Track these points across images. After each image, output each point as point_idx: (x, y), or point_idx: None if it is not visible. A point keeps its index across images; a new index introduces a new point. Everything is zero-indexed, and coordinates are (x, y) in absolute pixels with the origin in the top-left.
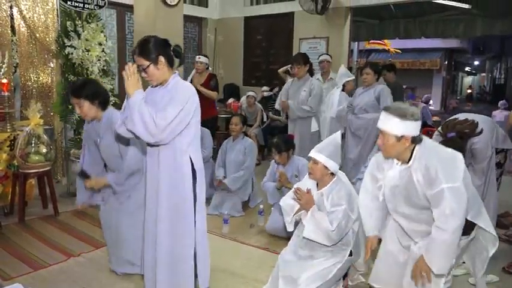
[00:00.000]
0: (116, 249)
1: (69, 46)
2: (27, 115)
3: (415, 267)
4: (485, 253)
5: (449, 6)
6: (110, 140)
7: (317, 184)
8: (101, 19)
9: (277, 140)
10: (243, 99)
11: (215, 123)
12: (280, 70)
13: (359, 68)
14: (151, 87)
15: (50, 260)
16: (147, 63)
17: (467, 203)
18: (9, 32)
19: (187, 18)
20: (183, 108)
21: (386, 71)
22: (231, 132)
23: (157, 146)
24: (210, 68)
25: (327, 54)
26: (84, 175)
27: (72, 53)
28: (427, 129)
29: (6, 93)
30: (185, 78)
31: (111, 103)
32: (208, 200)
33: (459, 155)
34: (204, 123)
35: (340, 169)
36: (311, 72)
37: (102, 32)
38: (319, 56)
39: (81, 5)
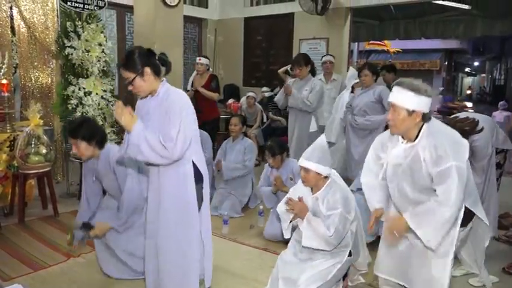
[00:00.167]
0: (118, 262)
1: (69, 47)
2: (27, 116)
3: (389, 225)
4: (482, 244)
5: (449, 7)
6: (111, 177)
7: (312, 188)
8: (101, 20)
9: (270, 143)
10: (243, 99)
11: (217, 124)
12: (280, 70)
13: (358, 69)
14: (140, 99)
15: (50, 260)
16: (132, 75)
17: (467, 188)
18: (9, 32)
19: (187, 19)
20: (182, 120)
21: (386, 71)
22: (231, 133)
23: None
24: (210, 69)
25: (330, 55)
26: (88, 226)
27: (72, 54)
28: None
29: (6, 94)
30: (185, 80)
31: (111, 103)
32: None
33: (465, 141)
34: (206, 125)
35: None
36: (313, 72)
37: (102, 32)
38: (322, 56)
39: (81, 5)
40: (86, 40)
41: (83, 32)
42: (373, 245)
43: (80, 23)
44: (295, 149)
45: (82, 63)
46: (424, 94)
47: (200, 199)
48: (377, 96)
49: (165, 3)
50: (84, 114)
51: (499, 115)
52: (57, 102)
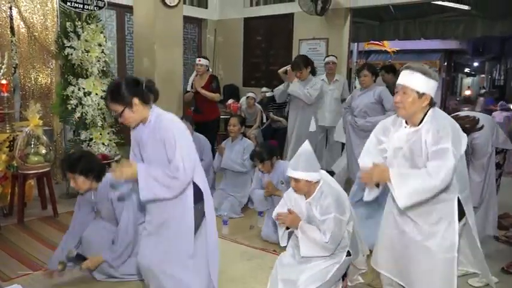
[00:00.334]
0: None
1: (68, 47)
2: (27, 116)
3: (373, 168)
4: (475, 241)
5: (449, 7)
6: (109, 207)
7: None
8: (101, 20)
9: (259, 148)
10: (243, 100)
11: (217, 124)
12: (280, 71)
13: (357, 69)
14: (132, 129)
15: None
16: (121, 108)
17: (462, 181)
18: (9, 32)
19: (187, 19)
20: (181, 144)
21: (385, 72)
22: (230, 133)
23: None
24: (210, 69)
25: (333, 55)
26: (81, 258)
27: (71, 54)
28: None
29: (6, 94)
30: (185, 80)
31: None
32: None
33: (465, 136)
34: (207, 125)
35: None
36: (313, 72)
37: (101, 32)
38: (326, 57)
39: (81, 5)
40: (86, 40)
41: (83, 32)
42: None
43: (79, 23)
44: (293, 149)
45: (82, 63)
46: (433, 78)
47: (201, 216)
48: (377, 97)
49: (165, 4)
50: (84, 114)
51: (499, 115)
52: (56, 102)
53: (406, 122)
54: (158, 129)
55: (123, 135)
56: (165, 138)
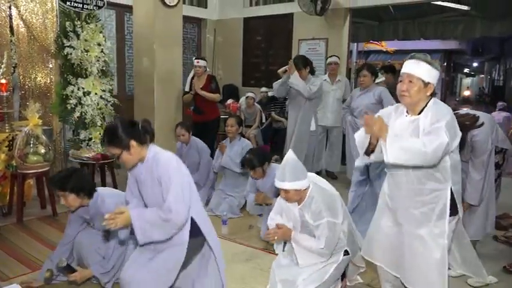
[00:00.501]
0: None
1: (68, 46)
2: (26, 115)
3: (376, 120)
4: (466, 241)
5: (449, 7)
6: (101, 225)
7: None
8: (100, 19)
9: (249, 155)
10: (242, 100)
11: (217, 124)
12: (280, 70)
13: (357, 69)
14: (130, 170)
15: None
16: (118, 151)
17: (456, 174)
18: (8, 32)
19: (187, 19)
20: (174, 185)
21: (385, 72)
22: (227, 134)
23: None
24: (208, 69)
25: (336, 56)
26: (69, 269)
27: (71, 54)
28: None
29: (5, 94)
30: (185, 80)
31: (110, 103)
32: (208, 202)
33: (460, 133)
34: (207, 125)
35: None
36: (312, 72)
37: (101, 32)
38: (328, 57)
39: (80, 5)
40: (85, 40)
41: (82, 31)
42: None
43: (79, 22)
44: (294, 147)
45: (81, 63)
46: (437, 68)
47: (198, 247)
48: (377, 97)
49: (164, 3)
50: (83, 114)
51: (498, 116)
52: (56, 102)
53: (407, 111)
54: (156, 167)
55: None
56: (161, 177)
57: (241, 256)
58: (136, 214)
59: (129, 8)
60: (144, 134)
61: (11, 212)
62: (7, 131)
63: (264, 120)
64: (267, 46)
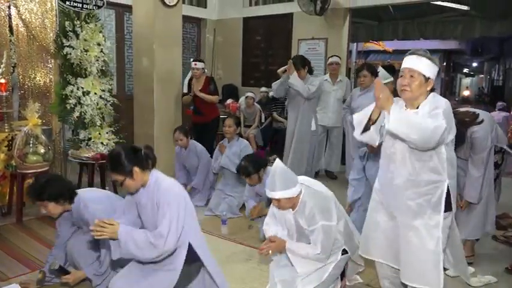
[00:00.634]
0: None
1: (67, 46)
2: (25, 115)
3: (385, 89)
4: (458, 240)
5: (448, 7)
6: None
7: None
8: (100, 19)
9: (244, 163)
10: (242, 99)
11: (217, 124)
12: (280, 70)
13: (357, 69)
14: (131, 194)
15: None
16: (122, 177)
17: (451, 165)
18: (8, 32)
19: (186, 19)
20: (172, 215)
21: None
22: (225, 134)
23: None
24: (206, 71)
25: (337, 56)
26: (62, 271)
27: (70, 53)
28: None
29: (4, 93)
30: (183, 81)
31: (110, 103)
32: (207, 202)
33: (455, 130)
34: (207, 125)
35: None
36: (310, 71)
37: (100, 32)
38: (329, 57)
39: (80, 5)
40: (85, 40)
41: (82, 31)
42: None
43: (78, 22)
44: (295, 148)
45: (80, 62)
46: (436, 64)
47: (194, 273)
48: None
49: (164, 3)
50: (83, 113)
51: (498, 115)
52: (55, 101)
53: (406, 106)
54: (156, 192)
55: (122, 134)
56: (159, 202)
57: (241, 256)
58: (125, 230)
59: (128, 8)
60: (147, 160)
61: (11, 211)
62: (6, 130)
63: (263, 120)
64: (267, 46)
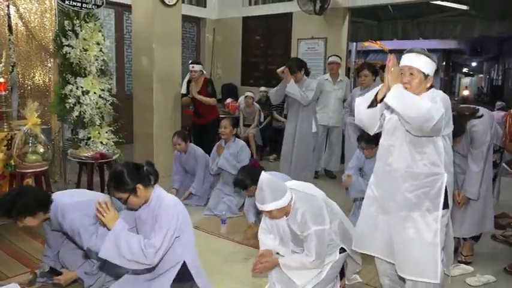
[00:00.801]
0: None
1: (66, 45)
2: (25, 114)
3: (397, 69)
4: (450, 240)
5: (447, 7)
6: (69, 234)
7: None
8: (99, 18)
9: (240, 176)
10: (241, 99)
11: (217, 125)
12: (279, 70)
13: (357, 69)
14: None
15: None
16: (125, 195)
17: (448, 159)
18: (7, 31)
19: (186, 18)
20: (168, 230)
21: (383, 72)
22: (221, 135)
23: None
24: (204, 72)
25: (337, 56)
26: (54, 272)
27: (69, 53)
28: None
29: (4, 93)
30: (182, 80)
31: (109, 102)
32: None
33: (452, 127)
34: (207, 126)
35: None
36: (307, 73)
37: (100, 31)
38: (329, 57)
39: (79, 4)
40: (84, 39)
41: (81, 30)
42: None
43: (77, 21)
44: (297, 152)
45: (80, 62)
46: (435, 61)
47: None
48: None
49: (163, 3)
50: (82, 113)
51: (497, 115)
52: (54, 101)
53: None
54: (158, 208)
55: (121, 134)
56: (159, 216)
57: (240, 255)
58: (121, 226)
59: (128, 7)
60: (149, 177)
61: None
62: (6, 130)
63: (262, 120)
64: (266, 45)
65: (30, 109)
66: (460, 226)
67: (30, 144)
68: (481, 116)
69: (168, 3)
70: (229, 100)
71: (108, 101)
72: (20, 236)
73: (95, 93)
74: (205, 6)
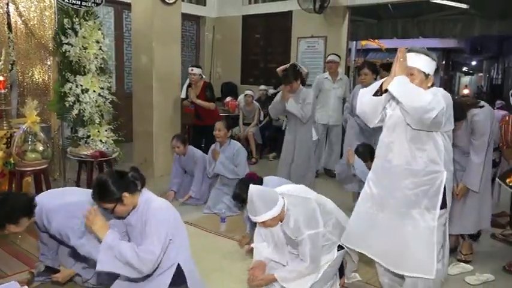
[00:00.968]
0: None
1: (66, 44)
2: (24, 113)
3: (404, 61)
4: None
5: (447, 6)
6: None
7: None
8: (99, 17)
9: (238, 190)
10: (241, 97)
11: None
12: (279, 69)
13: (357, 67)
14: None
15: None
16: (112, 205)
17: (447, 157)
18: (6, 29)
19: (185, 17)
20: (160, 235)
21: (383, 70)
22: (216, 138)
23: None
24: (204, 76)
25: (335, 54)
26: (51, 270)
27: (69, 51)
28: None
29: (3, 91)
30: (183, 79)
31: (109, 100)
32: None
33: (453, 126)
34: (208, 128)
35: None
36: (303, 83)
37: (99, 29)
38: (328, 55)
39: (79, 2)
40: (83, 37)
41: (80, 29)
42: None
43: (77, 19)
44: (297, 162)
45: (79, 60)
46: (435, 60)
47: None
48: None
49: (163, 1)
50: (82, 111)
51: (497, 114)
52: (54, 99)
53: None
54: (146, 211)
55: (121, 132)
56: (148, 221)
57: (239, 253)
58: (115, 236)
59: (127, 5)
60: (135, 183)
61: None
62: (5, 128)
63: (262, 118)
64: (266, 44)
65: (30, 107)
66: (457, 223)
67: (29, 143)
68: (483, 107)
69: (167, 1)
70: (228, 99)
71: (108, 99)
72: (19, 234)
73: (94, 91)
74: (205, 5)
